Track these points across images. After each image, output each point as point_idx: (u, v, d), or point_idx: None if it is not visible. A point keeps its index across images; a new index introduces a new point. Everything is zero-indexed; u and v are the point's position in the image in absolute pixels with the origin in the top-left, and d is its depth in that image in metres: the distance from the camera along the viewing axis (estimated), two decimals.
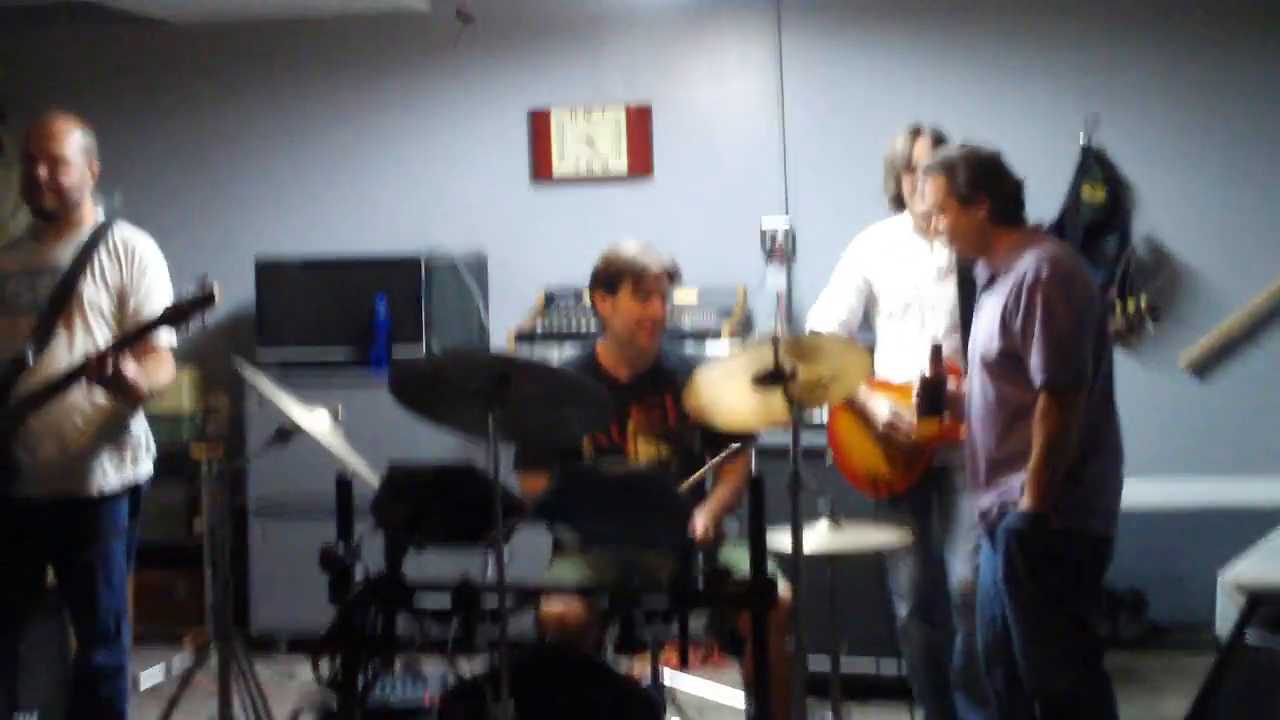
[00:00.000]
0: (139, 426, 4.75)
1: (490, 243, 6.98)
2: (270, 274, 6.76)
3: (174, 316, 4.48)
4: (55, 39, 7.43)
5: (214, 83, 7.35)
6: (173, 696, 4.64)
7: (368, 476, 4.17)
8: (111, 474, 4.62)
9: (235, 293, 6.93)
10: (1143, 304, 4.99)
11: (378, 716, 4.06)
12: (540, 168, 7.10)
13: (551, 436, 4.31)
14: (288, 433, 4.46)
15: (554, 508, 4.04)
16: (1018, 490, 4.16)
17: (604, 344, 4.82)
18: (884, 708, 5.40)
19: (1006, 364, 4.19)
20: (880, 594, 5.09)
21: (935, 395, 4.56)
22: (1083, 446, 4.14)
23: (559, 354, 6.21)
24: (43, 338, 4.51)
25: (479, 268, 6.86)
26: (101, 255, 4.65)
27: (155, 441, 6.68)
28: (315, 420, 4.34)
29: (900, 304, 4.96)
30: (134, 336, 4.48)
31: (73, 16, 7.27)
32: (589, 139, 7.05)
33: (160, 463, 6.67)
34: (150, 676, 6.23)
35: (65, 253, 4.64)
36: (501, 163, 7.13)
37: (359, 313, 6.58)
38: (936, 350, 4.56)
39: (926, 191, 4.40)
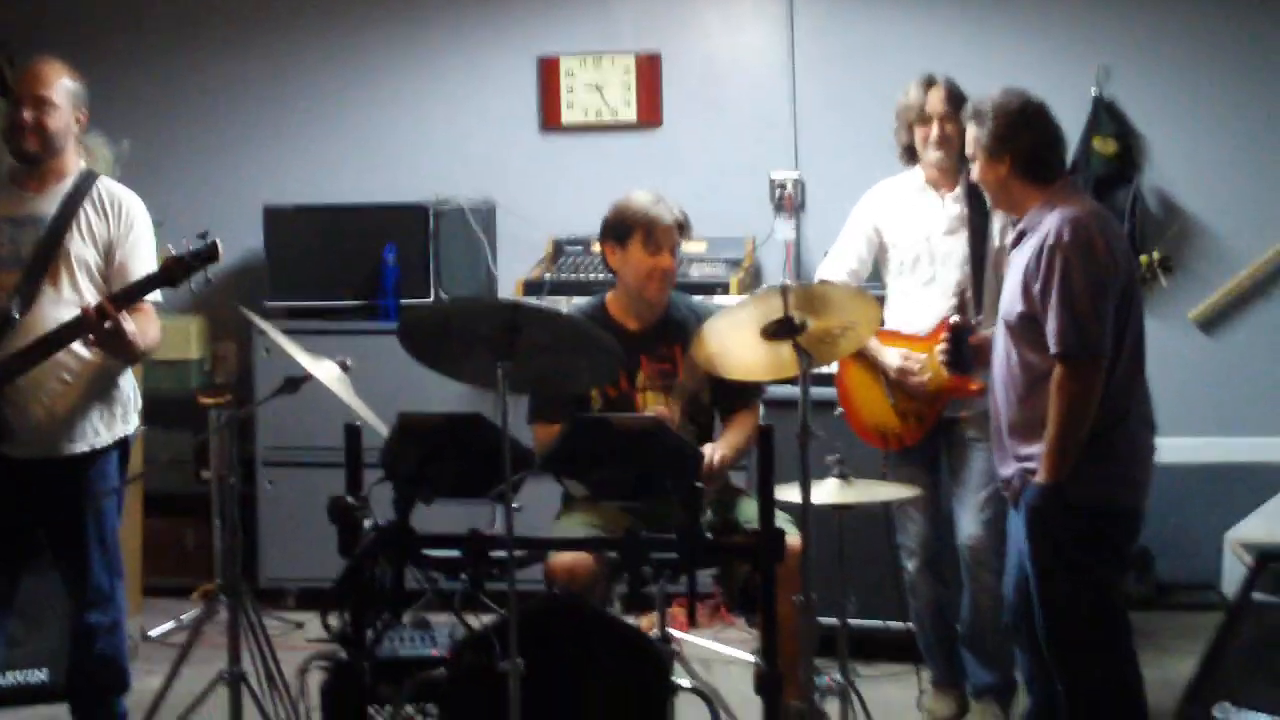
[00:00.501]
0: (127, 382, 4.65)
1: (499, 191, 6.93)
2: (278, 222, 6.71)
3: (175, 272, 4.36)
4: None
5: (222, 29, 7.29)
6: (182, 649, 4.62)
7: (377, 426, 4.16)
8: (102, 431, 4.53)
9: (243, 241, 6.93)
10: (1155, 257, 4.94)
11: (387, 668, 4.03)
12: (549, 116, 7.05)
13: (561, 386, 4.29)
14: (296, 381, 4.44)
15: (562, 459, 4.02)
16: (1038, 461, 4.07)
17: (614, 294, 4.79)
18: (891, 665, 5.39)
19: (1027, 327, 4.08)
20: (888, 550, 5.08)
21: (960, 346, 4.54)
22: (1110, 415, 4.03)
23: (567, 305, 6.19)
24: (29, 294, 4.40)
25: (487, 217, 6.82)
26: (87, 209, 4.53)
27: (163, 389, 6.72)
28: (324, 369, 4.32)
29: (910, 256, 4.94)
30: (135, 292, 4.38)
31: None
32: (598, 87, 7.00)
33: (168, 411, 6.75)
34: (158, 627, 6.23)
35: (48, 204, 4.52)
36: (510, 111, 7.08)
37: (367, 261, 6.55)
38: (962, 299, 4.59)
39: (966, 138, 4.32)
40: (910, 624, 5.15)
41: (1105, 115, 6.56)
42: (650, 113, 6.98)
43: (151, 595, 6.59)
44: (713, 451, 4.49)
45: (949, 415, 4.90)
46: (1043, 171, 4.18)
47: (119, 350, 4.38)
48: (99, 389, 4.50)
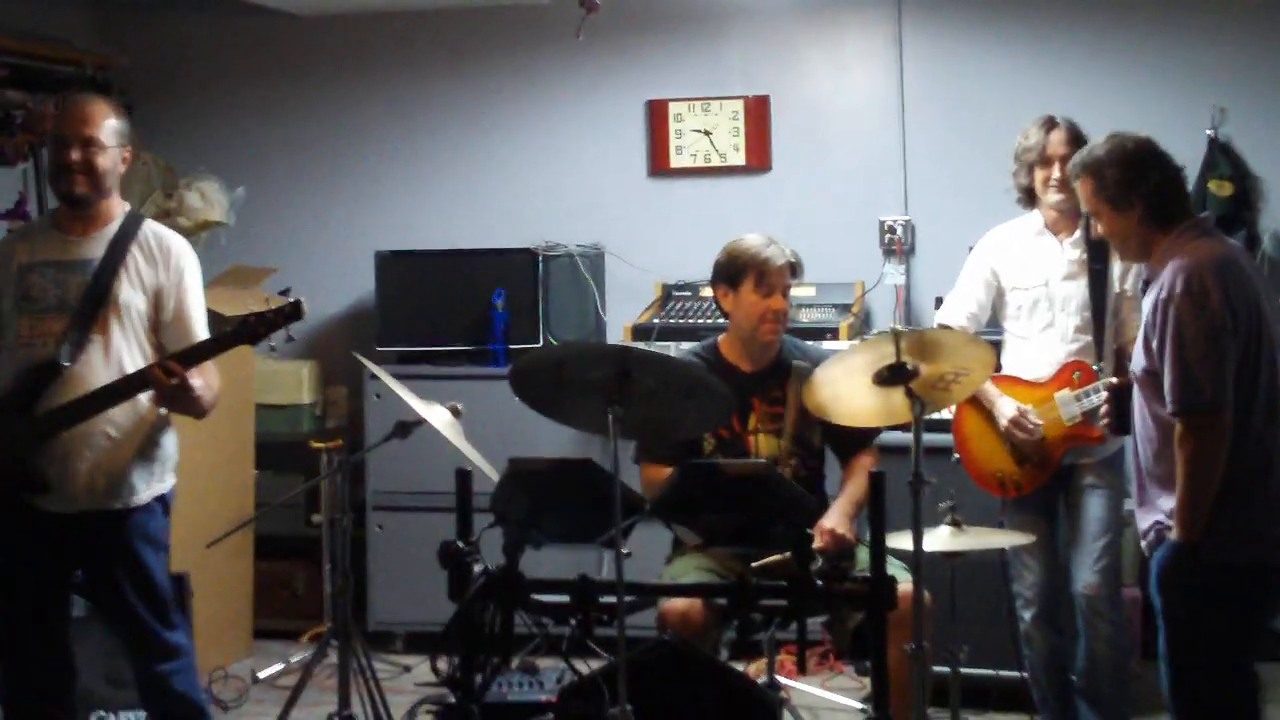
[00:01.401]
0: (170, 439, 4.46)
1: (607, 235, 6.94)
2: (389, 267, 6.76)
3: (255, 330, 4.21)
4: (180, 30, 7.50)
5: (335, 76, 7.38)
6: (292, 691, 4.64)
7: (487, 471, 4.17)
8: (140, 489, 4.35)
9: (355, 286, 7.01)
10: None
11: (495, 713, 4.03)
12: (658, 160, 7.06)
13: (671, 431, 4.28)
14: (408, 426, 4.48)
15: (672, 505, 4.01)
16: (1168, 515, 3.88)
17: (726, 337, 4.79)
18: (1004, 715, 5.30)
19: (1152, 382, 3.90)
20: (1003, 599, 5.01)
21: (1123, 406, 4.24)
22: (1247, 468, 3.82)
23: (676, 350, 6.19)
24: (77, 341, 4.22)
25: (596, 261, 6.84)
26: (135, 253, 4.34)
27: (275, 433, 6.79)
28: (435, 414, 4.35)
29: (1029, 301, 4.89)
30: (209, 350, 4.24)
31: (198, 7, 7.38)
32: (707, 131, 7.00)
33: (279, 455, 6.82)
34: (268, 669, 6.27)
35: (95, 247, 4.33)
36: (619, 155, 7.09)
37: (476, 306, 6.57)
38: (1120, 353, 4.40)
39: (1079, 195, 4.13)
40: (1024, 673, 5.06)
41: (1221, 157, 6.44)
42: (759, 156, 6.97)
43: (261, 638, 6.64)
44: (832, 525, 4.45)
45: (1068, 462, 4.83)
46: (1171, 211, 3.96)
47: (185, 408, 4.28)
48: (144, 445, 4.34)
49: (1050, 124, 4.88)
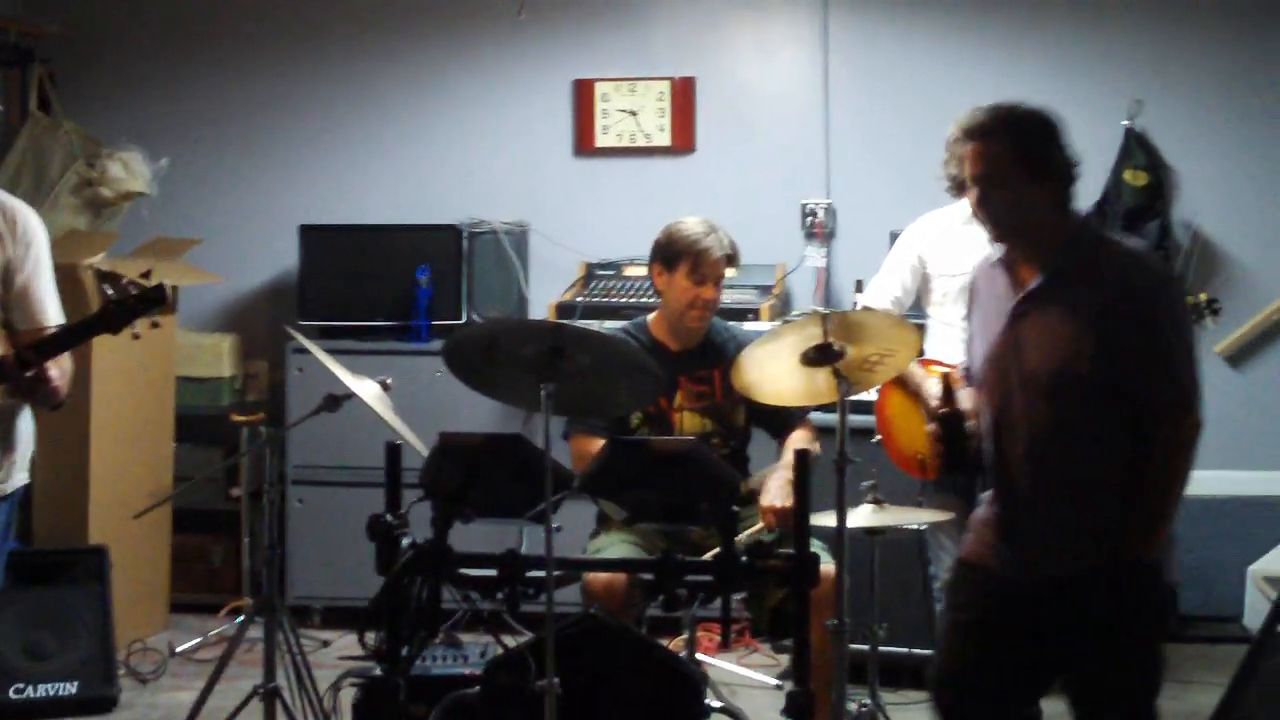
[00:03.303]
0: (27, 425, 4.07)
1: (532, 214, 6.96)
2: (313, 241, 6.75)
3: (115, 317, 3.78)
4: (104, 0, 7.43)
5: (260, 47, 7.34)
6: (218, 663, 4.65)
7: (416, 446, 4.19)
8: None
9: (278, 259, 6.99)
10: (1203, 299, 4.93)
11: (419, 686, 4.04)
12: (584, 139, 7.09)
13: (603, 408, 4.32)
14: (338, 399, 4.48)
15: (600, 481, 4.04)
16: (1112, 536, 3.45)
17: (657, 315, 4.82)
18: (917, 692, 5.38)
19: (1102, 390, 3.43)
20: (919, 579, 5.09)
21: (957, 441, 3.71)
22: None
23: (600, 327, 6.22)
24: None
25: (520, 239, 6.85)
26: None
27: (195, 406, 6.76)
28: (365, 388, 4.36)
29: (954, 288, 4.97)
30: (65, 340, 3.83)
31: None
32: (632, 111, 7.03)
33: (198, 428, 6.79)
34: (185, 642, 6.26)
35: None
36: (545, 133, 7.11)
37: (400, 282, 6.58)
38: (947, 383, 3.75)
39: (977, 158, 3.51)
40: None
41: (1136, 147, 6.56)
42: (684, 138, 7.02)
43: (178, 611, 6.62)
44: (771, 503, 4.47)
45: None
46: (1071, 197, 3.54)
47: (40, 399, 3.87)
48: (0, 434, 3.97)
49: None
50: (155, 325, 3.80)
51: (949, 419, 3.70)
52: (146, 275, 3.85)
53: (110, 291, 3.79)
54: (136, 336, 3.81)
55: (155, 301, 3.78)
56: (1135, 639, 3.47)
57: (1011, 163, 3.44)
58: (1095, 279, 3.42)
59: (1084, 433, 3.45)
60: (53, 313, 4.01)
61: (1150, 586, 3.47)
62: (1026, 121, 3.50)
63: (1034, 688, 3.70)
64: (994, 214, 3.50)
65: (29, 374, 3.72)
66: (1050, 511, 3.50)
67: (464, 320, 6.57)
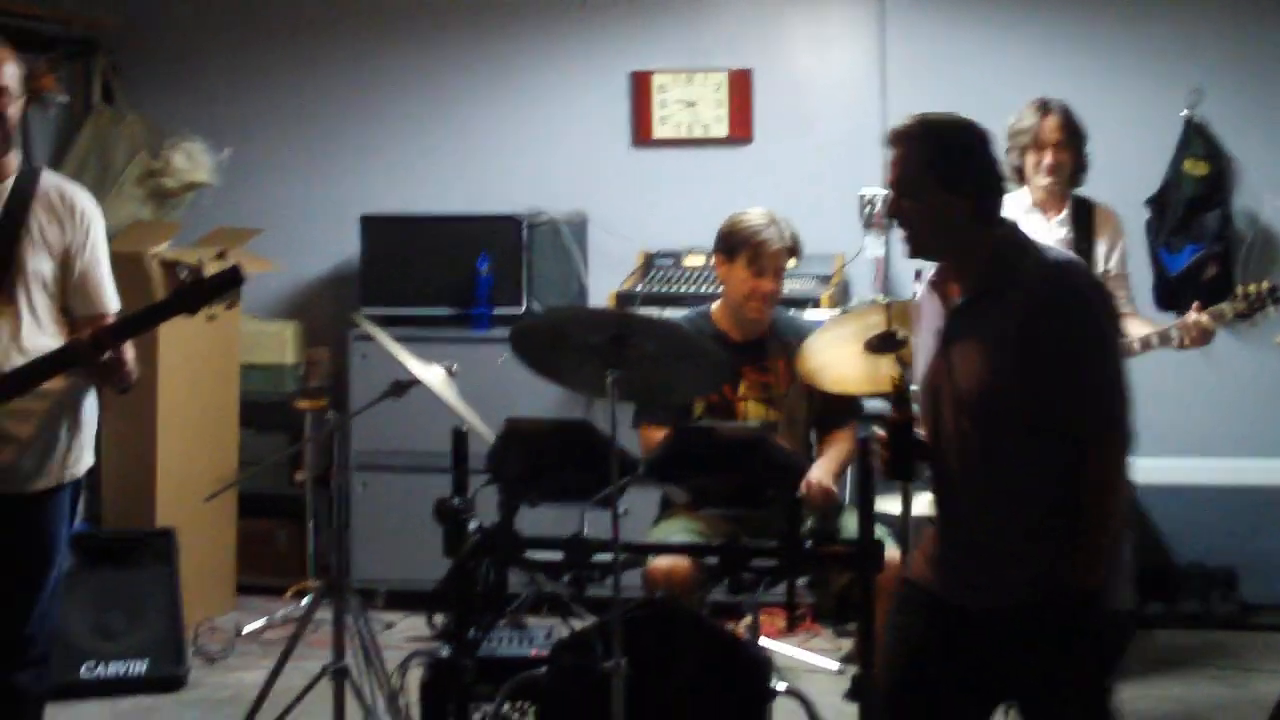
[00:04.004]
0: (92, 407, 4.10)
1: (591, 204, 7.01)
2: (374, 231, 6.80)
3: (191, 300, 3.79)
4: None
5: (322, 38, 7.41)
6: (287, 643, 4.72)
7: (482, 431, 4.24)
8: (61, 466, 4.00)
9: (340, 248, 7.06)
10: (1263, 287, 4.92)
11: (485, 667, 4.10)
12: (641, 130, 7.13)
13: (667, 395, 4.36)
14: (403, 385, 4.53)
15: (666, 466, 4.08)
16: (1048, 565, 3.24)
17: (720, 304, 4.86)
18: None
19: (1025, 411, 3.23)
20: None
21: (905, 447, 3.48)
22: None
23: (659, 315, 6.28)
24: None
25: (579, 229, 6.90)
26: (38, 211, 3.93)
27: (258, 392, 6.85)
28: (431, 374, 4.42)
29: None
30: (141, 322, 3.85)
31: None
32: (690, 102, 7.08)
33: (262, 414, 6.88)
34: (251, 623, 6.35)
35: None
36: (603, 125, 7.16)
37: (460, 271, 6.63)
38: (899, 389, 3.53)
39: (893, 165, 3.36)
40: None
41: (1196, 137, 6.56)
42: (741, 128, 7.05)
43: (244, 593, 6.71)
44: (818, 478, 4.52)
45: None
46: (996, 210, 3.34)
47: (113, 382, 3.93)
48: (68, 418, 4.00)
49: (1045, 108, 4.98)
50: (230, 306, 3.83)
51: (897, 426, 3.51)
52: (221, 256, 3.86)
53: (186, 274, 3.84)
54: (212, 318, 3.88)
55: (232, 283, 3.81)
56: (1076, 673, 3.27)
57: (924, 172, 3.28)
58: (1017, 294, 3.23)
59: (1012, 456, 3.26)
60: (110, 299, 4.06)
61: (1091, 617, 3.26)
62: (944, 131, 3.33)
63: (974, 712, 3.50)
64: (906, 223, 3.35)
65: (104, 358, 3.78)
66: (984, 539, 3.33)
67: (524, 309, 6.61)
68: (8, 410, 3.82)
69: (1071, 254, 3.50)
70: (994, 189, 3.32)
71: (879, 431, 3.53)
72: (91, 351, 3.76)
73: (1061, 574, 3.21)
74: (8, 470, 3.88)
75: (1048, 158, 4.94)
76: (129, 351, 3.86)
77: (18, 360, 3.84)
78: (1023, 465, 3.25)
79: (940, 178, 3.25)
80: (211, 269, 3.88)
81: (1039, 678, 3.30)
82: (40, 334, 3.92)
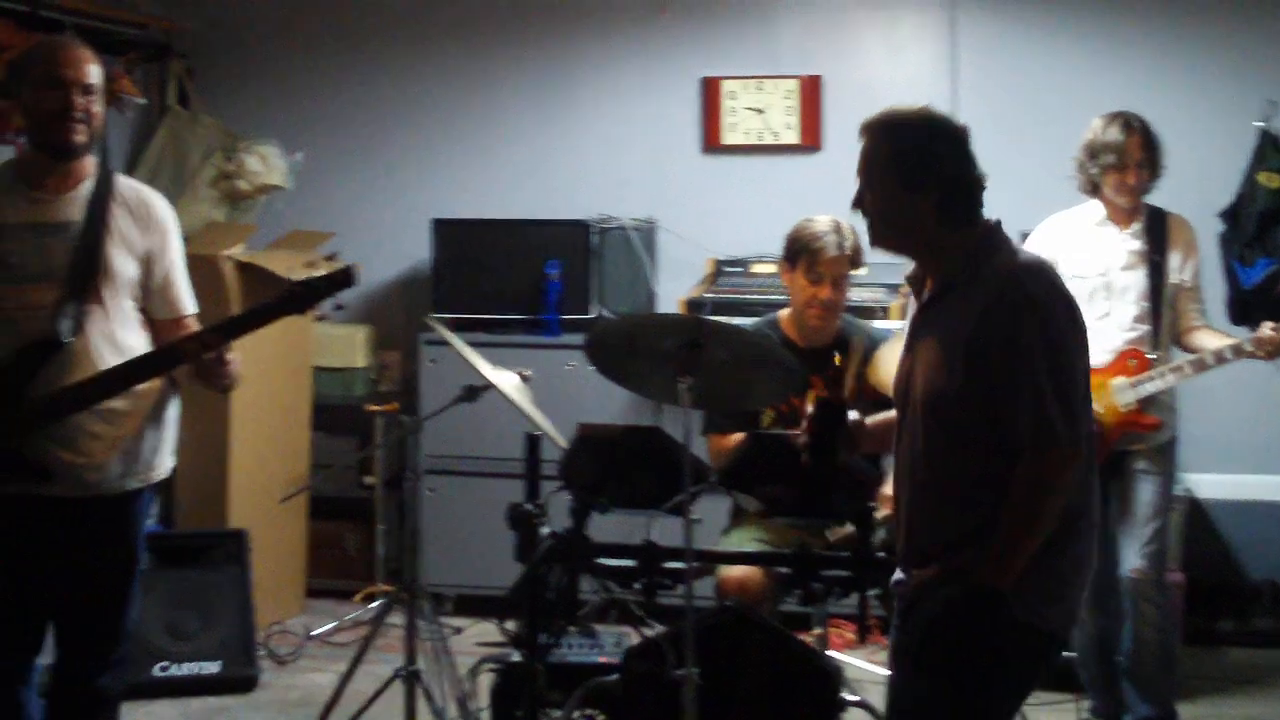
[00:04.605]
0: (174, 414, 4.09)
1: (660, 210, 7.00)
2: (446, 235, 6.85)
3: (303, 299, 3.85)
4: None
5: (396, 43, 7.45)
6: (359, 647, 4.76)
7: (555, 437, 4.26)
8: (148, 468, 4.01)
9: (410, 252, 7.10)
10: None
11: (558, 673, 4.12)
12: (711, 137, 7.13)
13: (739, 402, 4.35)
14: (476, 390, 4.56)
15: (738, 474, 4.09)
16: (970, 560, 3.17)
17: (788, 311, 4.84)
18: (1050, 694, 5.37)
19: (966, 409, 3.17)
20: None
21: (829, 429, 3.51)
22: (1070, 520, 3.19)
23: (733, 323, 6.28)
24: (75, 315, 3.81)
25: (649, 235, 6.91)
26: (118, 214, 3.94)
27: (329, 395, 6.89)
28: (504, 379, 4.44)
29: (1087, 290, 4.95)
30: (252, 321, 3.86)
31: None
32: (760, 109, 7.07)
33: (332, 418, 6.92)
34: (320, 627, 6.40)
35: (72, 208, 3.90)
36: (673, 131, 7.16)
37: (530, 276, 6.66)
38: (835, 373, 3.50)
39: (860, 156, 3.33)
40: (1072, 653, 5.15)
41: (1271, 149, 6.47)
42: (811, 136, 7.04)
43: (312, 596, 6.76)
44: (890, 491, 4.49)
45: (1120, 448, 4.92)
46: (962, 210, 3.25)
47: (218, 382, 3.92)
48: (156, 420, 4.00)
49: (1129, 126, 4.88)
50: (339, 307, 3.83)
51: (825, 406, 3.53)
52: (332, 258, 3.89)
53: (296, 275, 3.88)
54: (321, 318, 3.88)
55: (343, 283, 3.85)
56: (947, 665, 3.18)
57: (884, 166, 3.25)
58: (975, 294, 3.17)
59: (956, 459, 3.20)
60: (189, 302, 4.10)
61: (985, 618, 3.14)
62: (908, 127, 3.28)
63: None
64: (867, 214, 3.32)
65: (210, 357, 3.80)
66: (920, 541, 3.29)
67: (593, 315, 6.64)
68: (98, 411, 3.83)
69: (1042, 258, 3.36)
70: (959, 189, 3.23)
71: (807, 408, 3.51)
72: (200, 350, 3.79)
73: (973, 570, 3.14)
74: (97, 471, 3.88)
75: (1130, 179, 4.89)
76: (233, 352, 3.87)
77: (112, 359, 3.85)
78: (964, 469, 3.19)
79: (900, 176, 3.22)
80: (321, 269, 3.92)
81: (910, 662, 3.29)
82: (130, 333, 3.95)
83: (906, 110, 3.33)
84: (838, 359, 4.51)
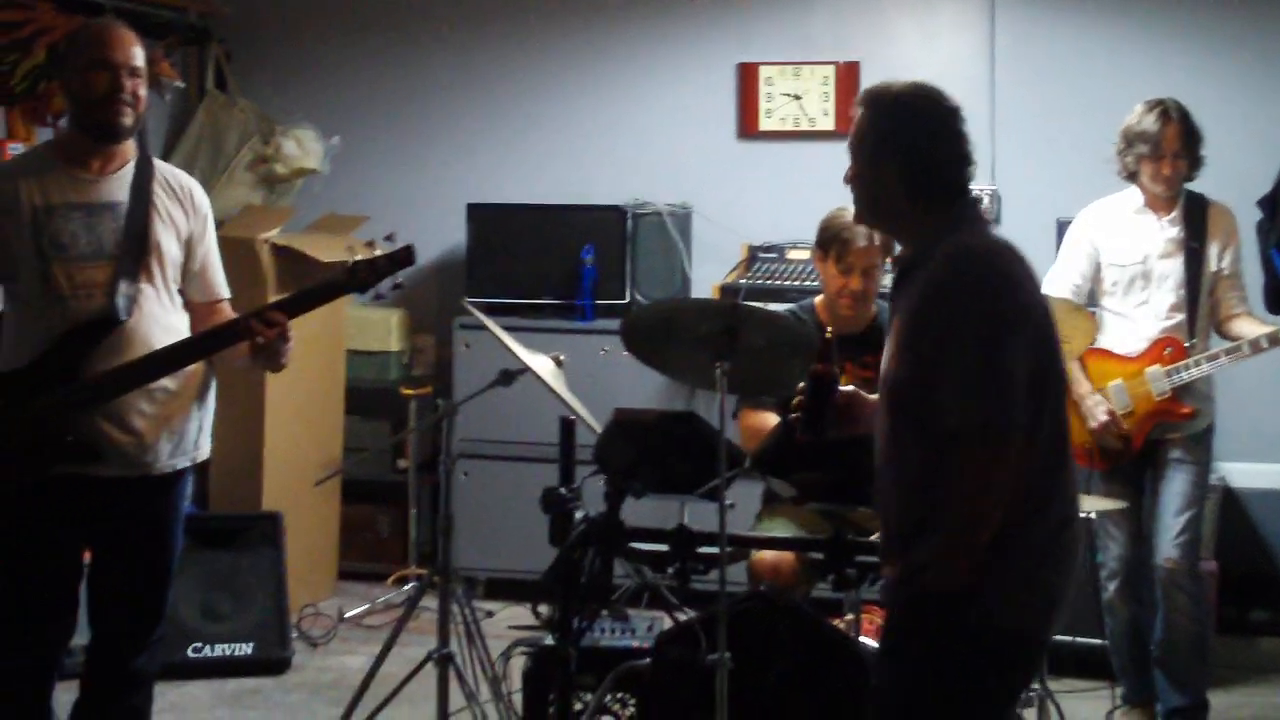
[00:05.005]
0: (213, 395, 4.09)
1: (695, 196, 6.98)
2: (481, 219, 6.86)
3: (365, 278, 3.90)
4: None
5: (432, 28, 7.44)
6: (393, 629, 4.76)
7: (589, 421, 4.26)
8: (194, 448, 4.03)
9: (445, 237, 7.11)
10: None
11: (590, 658, 4.12)
12: (747, 122, 7.11)
13: (775, 387, 4.34)
14: (511, 374, 4.56)
15: (773, 460, 4.08)
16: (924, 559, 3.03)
17: (823, 298, 4.83)
18: (1082, 681, 5.37)
19: (915, 396, 3.06)
20: (1087, 567, 5.07)
21: (822, 403, 3.42)
22: (1022, 515, 2.99)
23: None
24: (130, 293, 3.82)
25: (684, 221, 6.88)
26: (161, 195, 3.95)
27: (363, 379, 6.91)
28: (539, 364, 4.44)
29: (1126, 277, 4.94)
30: (314, 298, 3.92)
31: None
32: (797, 95, 7.05)
33: (367, 401, 6.94)
34: (354, 609, 6.43)
35: (117, 188, 3.90)
36: (709, 116, 7.14)
37: (565, 261, 6.67)
38: (828, 342, 3.48)
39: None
40: (1105, 641, 5.14)
41: None
42: (847, 122, 6.90)
43: (344, 579, 6.79)
44: None
45: (1155, 437, 4.90)
46: (932, 187, 3.15)
47: (272, 361, 3.92)
48: (200, 400, 4.00)
49: (1166, 115, 4.84)
50: (398, 286, 3.98)
51: (818, 379, 3.42)
52: (390, 237, 3.97)
53: (357, 254, 3.91)
54: (380, 296, 4.01)
55: (404, 262, 3.91)
56: (909, 674, 3.08)
57: (863, 136, 3.23)
58: (922, 275, 3.07)
59: (908, 443, 3.09)
60: (224, 286, 4.12)
61: (937, 623, 3.02)
62: (886, 104, 3.25)
63: None
64: (850, 186, 3.28)
65: (274, 334, 3.81)
66: (887, 523, 3.21)
67: (628, 300, 6.64)
68: (148, 391, 3.84)
69: (998, 240, 3.16)
70: (926, 165, 3.15)
71: (801, 384, 3.44)
72: (263, 329, 3.80)
73: (921, 573, 3.02)
74: (144, 450, 3.89)
75: (1166, 169, 4.85)
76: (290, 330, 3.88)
77: (162, 338, 3.87)
78: (916, 458, 3.07)
79: (873, 149, 3.19)
80: (380, 249, 3.93)
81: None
82: (175, 314, 3.98)
83: (890, 84, 3.30)
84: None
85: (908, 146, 3.16)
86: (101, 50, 3.83)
